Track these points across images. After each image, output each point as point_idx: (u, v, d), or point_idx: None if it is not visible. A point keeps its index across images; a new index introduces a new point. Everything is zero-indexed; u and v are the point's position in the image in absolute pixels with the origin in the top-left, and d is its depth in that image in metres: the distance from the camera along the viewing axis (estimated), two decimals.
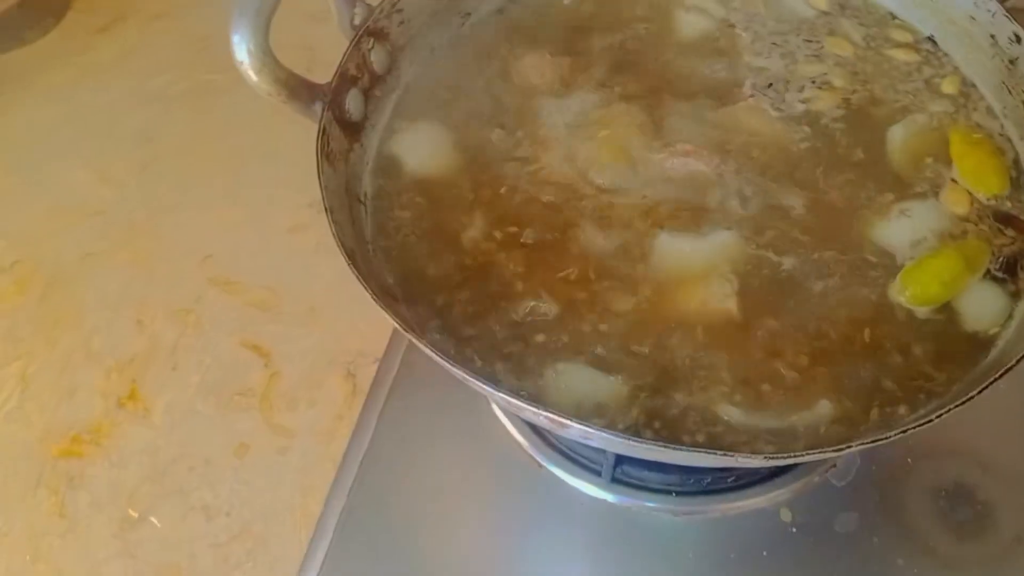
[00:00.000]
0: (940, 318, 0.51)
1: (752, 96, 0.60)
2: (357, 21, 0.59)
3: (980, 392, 0.43)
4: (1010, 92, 0.57)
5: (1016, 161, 0.56)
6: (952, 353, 0.50)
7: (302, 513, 0.67)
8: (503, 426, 0.69)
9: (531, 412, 0.44)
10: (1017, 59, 0.56)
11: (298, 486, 0.69)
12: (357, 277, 0.48)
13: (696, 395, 0.48)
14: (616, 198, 0.55)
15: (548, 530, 0.66)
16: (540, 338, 0.50)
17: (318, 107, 0.54)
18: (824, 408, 0.48)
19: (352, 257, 0.49)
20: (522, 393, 0.46)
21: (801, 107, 0.59)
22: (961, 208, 0.54)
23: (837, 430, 0.47)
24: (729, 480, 0.64)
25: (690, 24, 0.64)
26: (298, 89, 0.54)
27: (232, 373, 0.75)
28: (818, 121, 0.58)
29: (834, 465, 0.65)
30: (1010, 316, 0.50)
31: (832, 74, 0.61)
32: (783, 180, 0.56)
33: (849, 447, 0.42)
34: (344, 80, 0.57)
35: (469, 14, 0.66)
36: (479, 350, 0.50)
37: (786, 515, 0.63)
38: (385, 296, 0.52)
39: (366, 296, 0.46)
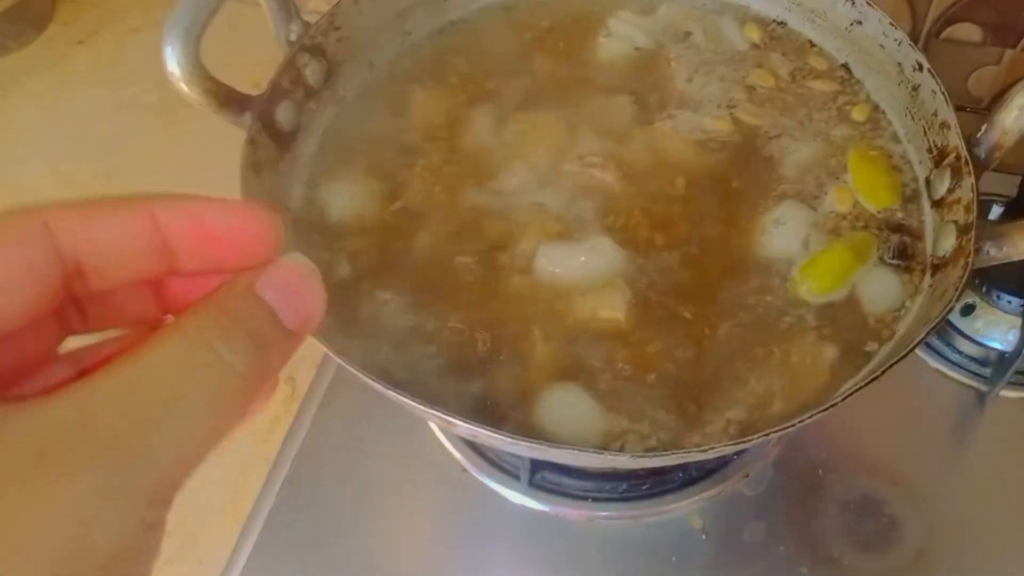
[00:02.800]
0: (841, 306, 0.54)
1: (669, 118, 0.62)
2: (293, 37, 0.62)
3: (875, 379, 0.45)
4: (912, 118, 0.59)
5: (913, 180, 0.58)
6: (855, 342, 0.52)
7: (233, 510, 0.69)
8: (432, 433, 0.71)
9: (421, 411, 0.46)
10: (919, 86, 0.58)
11: (232, 484, 0.71)
12: None
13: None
14: (514, 204, 0.58)
15: (472, 533, 0.68)
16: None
17: (247, 117, 0.57)
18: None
19: None
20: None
21: (710, 133, 0.61)
22: (844, 207, 0.57)
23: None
24: (644, 487, 0.66)
25: (613, 49, 0.66)
26: (228, 100, 0.56)
27: None
28: (722, 147, 0.61)
29: (747, 475, 0.67)
30: (905, 302, 0.53)
31: (746, 103, 0.63)
32: (679, 201, 0.59)
33: (712, 448, 0.44)
34: (276, 93, 0.59)
35: (410, 33, 0.69)
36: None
37: (697, 522, 0.65)
38: None
39: None
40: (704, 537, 0.65)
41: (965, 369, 0.71)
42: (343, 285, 0.56)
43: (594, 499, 0.66)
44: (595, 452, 0.43)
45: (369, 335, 0.54)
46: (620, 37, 0.66)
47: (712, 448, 0.43)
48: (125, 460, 0.23)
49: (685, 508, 0.66)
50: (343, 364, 0.47)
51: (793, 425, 0.44)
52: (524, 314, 0.53)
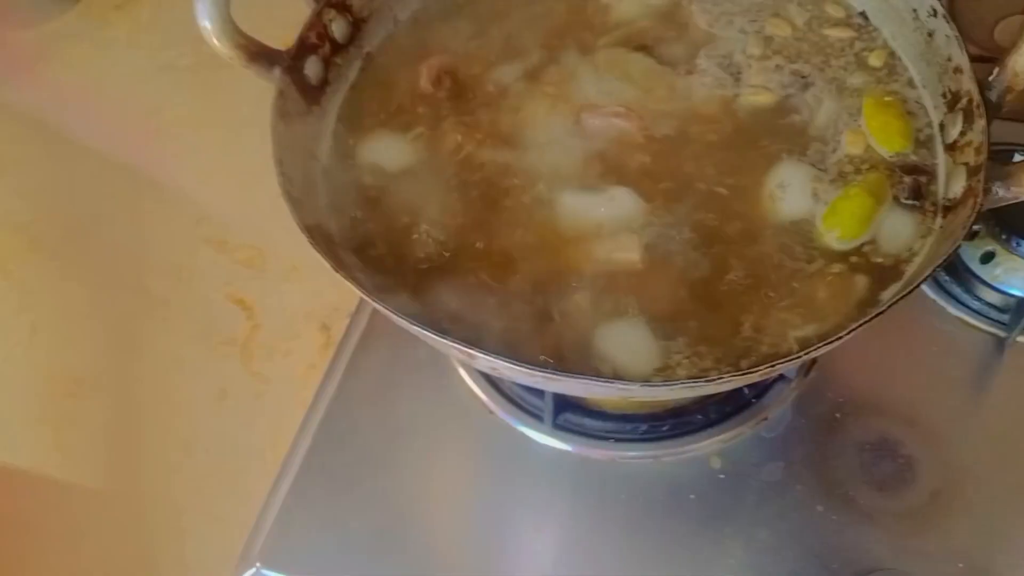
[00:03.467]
0: (861, 249, 0.55)
1: (691, 72, 0.64)
2: None
3: (888, 308, 0.46)
4: (927, 63, 0.60)
5: (928, 125, 0.59)
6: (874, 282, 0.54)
7: (272, 452, 0.73)
8: (461, 378, 0.73)
9: (442, 344, 0.49)
10: (934, 31, 0.59)
11: (270, 428, 0.75)
12: (299, 224, 0.53)
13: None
14: (537, 154, 0.59)
15: (499, 472, 0.71)
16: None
17: (277, 72, 0.60)
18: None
19: (296, 205, 0.54)
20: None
21: (728, 86, 0.63)
22: (856, 149, 0.58)
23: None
24: (664, 428, 0.68)
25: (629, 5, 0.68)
26: (258, 54, 0.59)
27: (217, 324, 0.81)
28: (741, 100, 0.62)
29: (766, 418, 0.68)
30: (923, 236, 0.54)
31: (763, 53, 0.64)
32: (697, 154, 0.60)
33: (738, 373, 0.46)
34: (304, 48, 0.62)
35: None
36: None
37: (716, 463, 0.67)
38: (328, 245, 0.57)
39: None
40: (722, 477, 0.67)
41: (985, 316, 0.72)
42: (368, 235, 0.59)
43: (616, 439, 0.68)
44: (605, 382, 0.45)
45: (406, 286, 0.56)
46: None
47: (721, 378, 0.45)
48: None
49: (704, 449, 0.68)
50: (379, 308, 0.50)
51: (792, 359, 0.45)
52: (551, 261, 0.55)
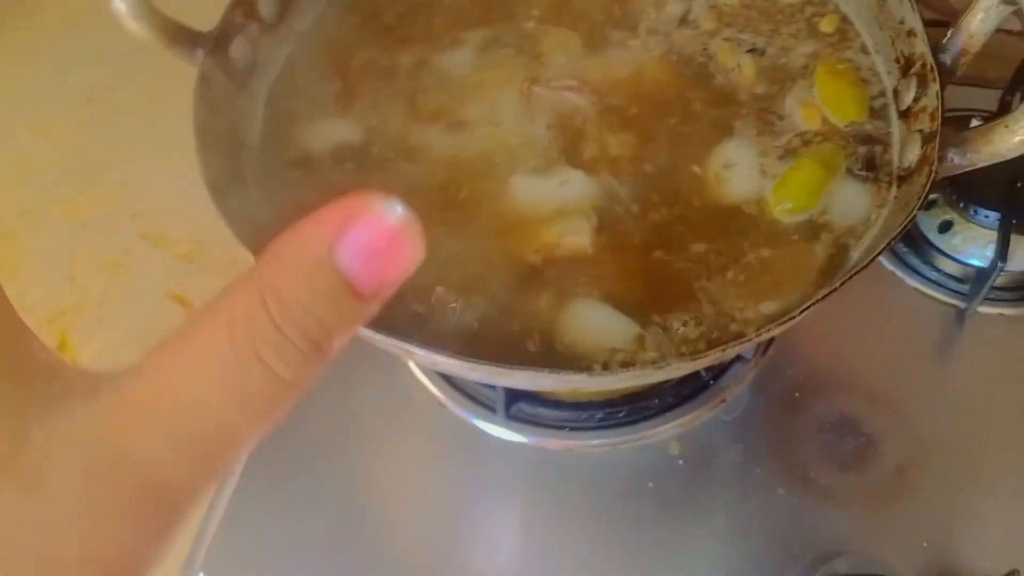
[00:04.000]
0: (812, 222, 0.53)
1: (632, 42, 0.61)
2: None
3: (843, 284, 0.44)
4: (880, 27, 0.58)
5: (882, 94, 0.57)
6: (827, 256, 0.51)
7: None
8: (409, 369, 0.71)
9: (378, 340, 0.46)
10: None
11: None
12: (223, 217, 0.50)
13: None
14: (485, 135, 0.57)
15: (453, 466, 0.68)
16: None
17: (200, 54, 0.56)
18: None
19: (219, 194, 0.51)
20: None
21: (675, 55, 0.60)
22: (812, 124, 0.55)
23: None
24: (620, 415, 0.66)
25: None
26: (178, 36, 0.55)
27: (156, 323, 0.77)
28: (686, 70, 0.59)
29: (724, 400, 0.66)
30: (879, 207, 0.52)
31: (711, 22, 0.62)
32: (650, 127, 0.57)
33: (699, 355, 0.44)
34: (229, 28, 0.58)
35: None
36: None
37: (674, 448, 0.65)
38: (256, 236, 0.53)
39: None
40: (681, 463, 0.65)
41: (943, 287, 0.70)
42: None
43: (571, 428, 0.66)
44: (551, 372, 0.43)
45: None
46: None
47: (668, 364, 0.43)
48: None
49: (662, 435, 0.66)
50: None
51: (747, 340, 0.43)
52: (500, 246, 0.52)
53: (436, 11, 0.65)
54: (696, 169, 0.55)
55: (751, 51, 0.60)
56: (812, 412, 0.66)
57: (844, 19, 0.61)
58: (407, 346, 0.45)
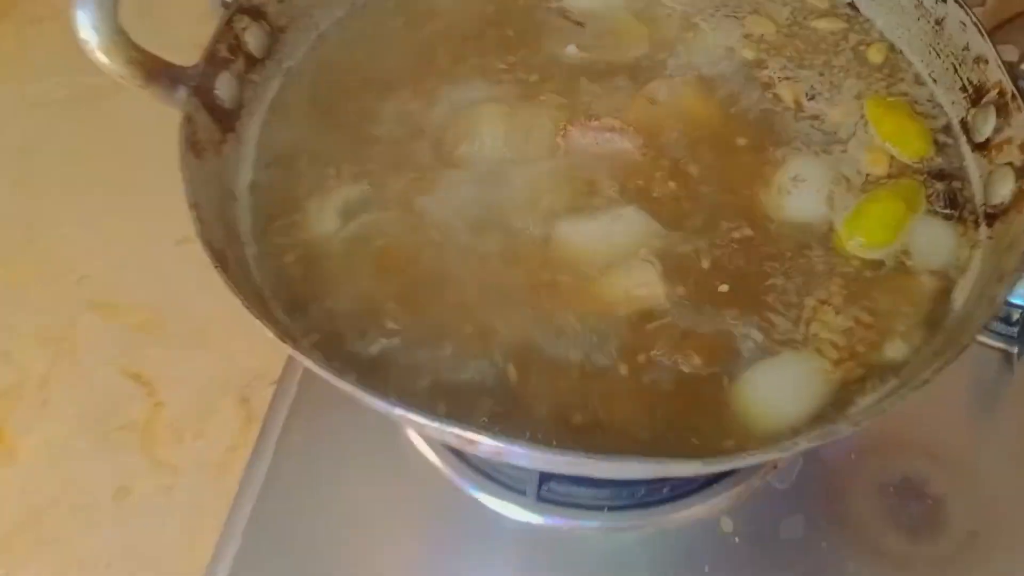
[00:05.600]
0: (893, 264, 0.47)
1: (670, 78, 0.55)
2: None
3: (965, 348, 0.38)
4: (938, 55, 0.54)
5: (947, 128, 0.52)
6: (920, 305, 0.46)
7: (189, 560, 0.60)
8: (416, 448, 0.62)
9: (434, 428, 0.38)
10: (944, 18, 0.53)
11: (186, 529, 0.61)
12: (226, 281, 0.41)
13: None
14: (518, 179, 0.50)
15: (472, 559, 0.59)
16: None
17: (182, 92, 0.48)
18: None
19: (221, 259, 0.42)
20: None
21: (716, 90, 0.55)
22: (879, 168, 0.50)
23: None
24: (664, 490, 0.59)
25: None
26: (157, 72, 0.47)
27: (111, 406, 0.67)
28: (732, 103, 0.54)
29: (775, 466, 0.60)
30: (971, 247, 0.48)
31: (751, 50, 0.56)
32: (697, 164, 0.52)
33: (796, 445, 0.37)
34: (213, 63, 0.50)
35: None
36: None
37: (727, 524, 0.58)
38: (260, 303, 0.45)
39: None
40: (737, 540, 0.58)
41: (989, 330, 0.66)
42: (301, 296, 0.47)
43: (610, 508, 0.58)
44: (661, 461, 0.35)
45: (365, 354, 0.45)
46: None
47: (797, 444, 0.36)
48: None
49: (712, 510, 0.59)
50: (323, 373, 0.39)
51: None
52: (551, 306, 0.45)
53: (445, 43, 0.58)
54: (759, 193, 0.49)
55: (787, 78, 0.55)
56: (871, 474, 0.60)
57: (892, 47, 0.57)
58: (467, 434, 0.37)
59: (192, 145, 0.47)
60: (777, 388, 0.42)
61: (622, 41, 0.58)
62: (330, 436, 0.64)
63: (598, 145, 0.51)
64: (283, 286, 0.48)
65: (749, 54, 0.56)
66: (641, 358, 0.43)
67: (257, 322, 0.40)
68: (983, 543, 0.57)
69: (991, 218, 0.48)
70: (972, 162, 0.50)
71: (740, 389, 0.42)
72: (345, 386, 0.38)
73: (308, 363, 0.39)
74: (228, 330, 0.69)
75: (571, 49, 0.56)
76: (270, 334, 0.39)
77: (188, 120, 0.47)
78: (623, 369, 0.43)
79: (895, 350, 0.44)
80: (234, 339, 0.69)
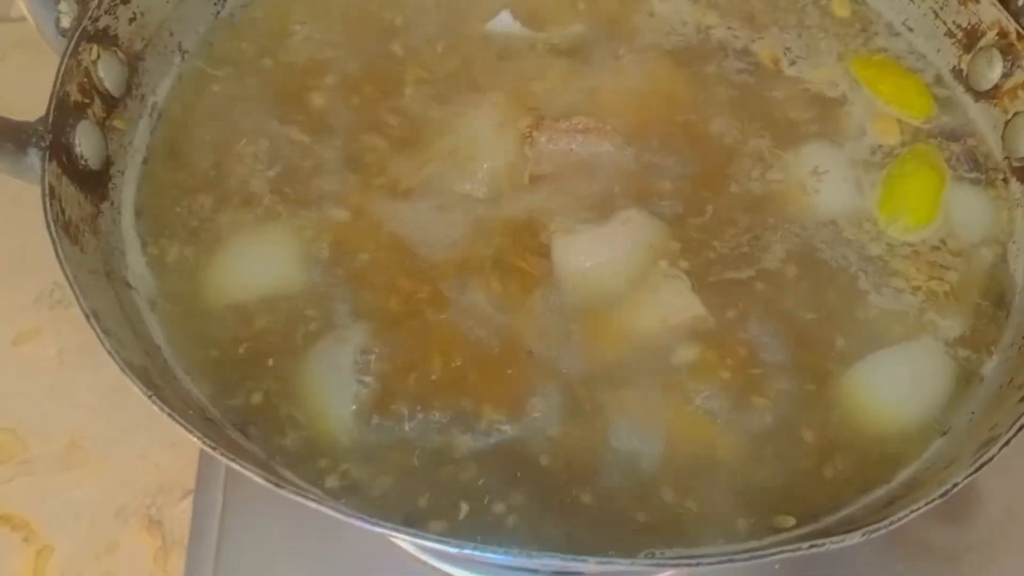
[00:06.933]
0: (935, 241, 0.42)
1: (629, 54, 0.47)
2: (66, 23, 0.39)
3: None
4: (911, 0, 0.48)
5: (939, 79, 0.47)
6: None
7: None
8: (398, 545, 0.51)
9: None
10: None
11: None
12: (170, 415, 0.29)
13: None
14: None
15: None
16: None
17: (34, 157, 0.35)
18: None
19: (150, 383, 0.30)
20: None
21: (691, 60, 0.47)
22: (891, 138, 0.45)
23: None
24: None
25: None
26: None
27: None
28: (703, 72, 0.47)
29: None
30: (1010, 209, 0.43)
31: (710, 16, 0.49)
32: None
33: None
34: (64, 110, 0.38)
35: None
36: None
37: None
38: (195, 418, 0.33)
39: (151, 410, 0.28)
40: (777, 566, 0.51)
41: None
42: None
43: None
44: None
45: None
46: None
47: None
48: None
49: None
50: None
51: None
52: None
53: (353, 47, 0.47)
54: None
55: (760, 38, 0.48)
56: None
57: None
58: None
59: (64, 228, 0.34)
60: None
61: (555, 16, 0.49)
62: (277, 543, 0.52)
63: (572, 151, 0.42)
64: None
65: (709, 19, 0.49)
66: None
67: (201, 445, 0.29)
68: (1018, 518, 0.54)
69: (1019, 172, 0.43)
70: (979, 114, 0.46)
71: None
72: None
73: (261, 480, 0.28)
74: (107, 441, 0.54)
75: (504, 18, 0.46)
76: (259, 479, 0.28)
77: (50, 194, 0.34)
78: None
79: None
80: (119, 450, 0.54)
